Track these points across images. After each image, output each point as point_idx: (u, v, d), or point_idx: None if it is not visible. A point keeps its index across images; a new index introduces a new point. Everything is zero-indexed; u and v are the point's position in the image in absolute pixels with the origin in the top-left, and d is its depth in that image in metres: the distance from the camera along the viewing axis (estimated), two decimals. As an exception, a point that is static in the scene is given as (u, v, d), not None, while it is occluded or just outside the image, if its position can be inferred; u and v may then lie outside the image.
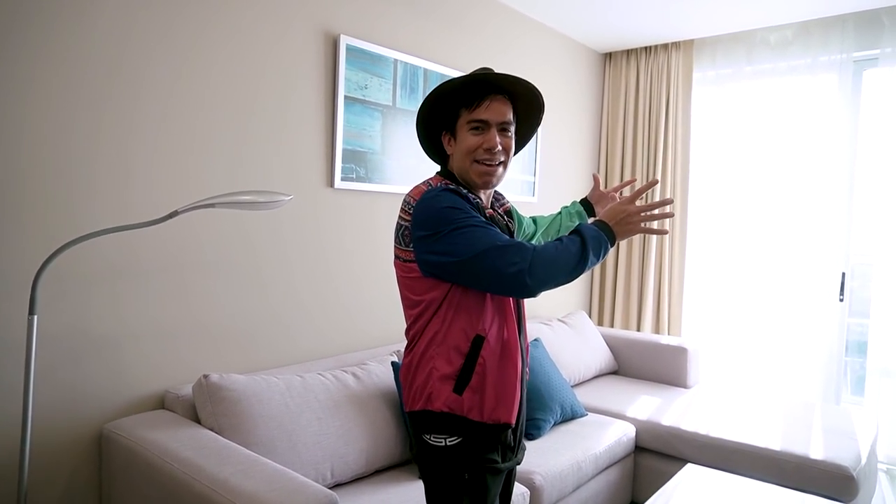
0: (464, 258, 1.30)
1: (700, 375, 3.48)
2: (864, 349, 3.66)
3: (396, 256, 1.46)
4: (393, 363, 2.29)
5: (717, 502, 2.04)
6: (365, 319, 2.69)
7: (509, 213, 1.65)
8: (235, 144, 2.19)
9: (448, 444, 1.38)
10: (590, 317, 4.32)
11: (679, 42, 3.94)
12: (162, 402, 2.04)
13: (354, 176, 2.60)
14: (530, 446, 2.41)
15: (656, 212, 1.41)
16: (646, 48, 4.06)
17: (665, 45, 3.98)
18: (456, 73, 2.99)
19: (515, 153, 1.51)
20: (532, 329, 3.22)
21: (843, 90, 3.55)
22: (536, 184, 3.65)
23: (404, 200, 1.43)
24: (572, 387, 3.20)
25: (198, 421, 1.94)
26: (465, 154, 1.42)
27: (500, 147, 1.42)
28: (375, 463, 2.15)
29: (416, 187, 1.43)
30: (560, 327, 3.38)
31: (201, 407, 1.91)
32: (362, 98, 2.59)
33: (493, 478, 1.40)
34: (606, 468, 2.59)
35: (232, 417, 1.88)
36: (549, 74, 3.71)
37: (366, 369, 2.33)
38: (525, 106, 1.49)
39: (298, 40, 2.35)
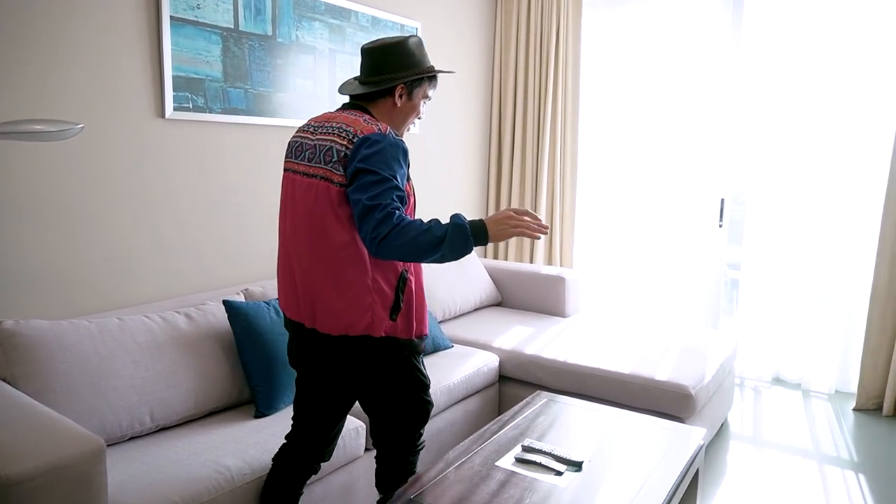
0: (365, 203, 1.45)
1: (580, 305, 3.53)
2: (738, 274, 3.77)
3: (325, 178, 1.55)
4: (225, 301, 2.19)
5: (552, 423, 2.07)
6: (214, 258, 2.57)
7: None
8: (41, 70, 1.97)
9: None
10: (485, 251, 4.30)
11: (567, -37, 3.79)
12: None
13: (191, 105, 2.41)
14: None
15: (533, 225, 1.55)
16: (535, -30, 3.90)
17: (553, -33, 3.82)
18: (310, -6, 2.78)
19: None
20: (409, 264, 3.17)
21: (726, 12, 3.50)
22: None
23: (340, 128, 1.56)
24: (445, 321, 3.18)
25: (-4, 370, 1.81)
26: (411, 113, 1.71)
27: None
28: (207, 404, 2.08)
29: (363, 124, 1.55)
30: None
31: (-6, 355, 1.78)
32: (194, 19, 2.37)
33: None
34: (465, 398, 2.61)
35: (26, 366, 1.76)
36: (443, 4, 3.53)
37: (202, 309, 2.23)
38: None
39: (105, -49, 2.11)
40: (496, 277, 3.59)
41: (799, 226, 3.43)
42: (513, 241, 4.15)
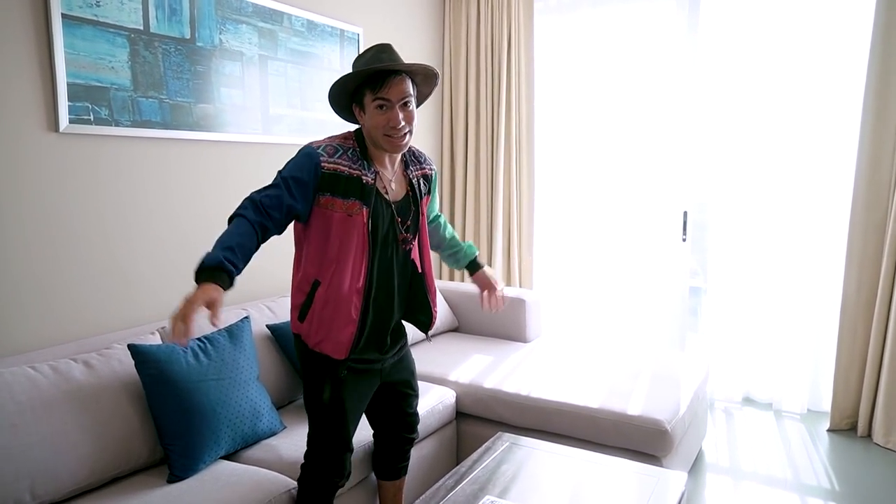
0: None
1: (542, 328, 3.29)
2: (701, 291, 3.61)
3: None
4: (130, 346, 1.86)
5: (516, 473, 1.81)
6: (122, 293, 2.23)
7: (427, 178, 1.83)
8: None
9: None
10: (441, 272, 4.04)
11: (517, -32, 3.60)
12: None
13: (92, 118, 2.09)
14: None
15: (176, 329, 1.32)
16: (484, -25, 3.70)
17: (503, -28, 3.63)
18: (236, -6, 2.50)
19: (417, 106, 1.71)
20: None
21: (681, 16, 3.36)
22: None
23: None
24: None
25: None
26: (374, 128, 1.62)
27: (402, 122, 1.62)
28: (108, 471, 1.75)
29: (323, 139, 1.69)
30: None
31: None
32: (94, 18, 2.06)
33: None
34: (419, 441, 2.32)
35: None
36: (387, 11, 3.28)
37: (106, 354, 1.90)
38: (422, 77, 1.71)
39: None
40: (451, 300, 3.33)
41: (765, 238, 3.29)
42: (468, 260, 3.90)
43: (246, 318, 2.19)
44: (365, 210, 1.61)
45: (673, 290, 3.54)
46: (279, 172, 1.61)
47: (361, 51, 1.69)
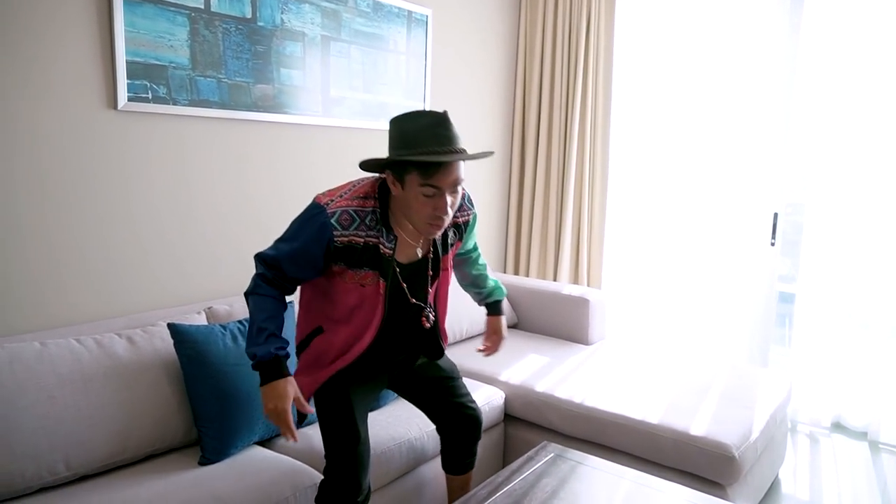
0: None
1: (606, 330, 3.09)
2: (792, 298, 3.27)
3: None
4: (170, 325, 1.86)
5: (557, 489, 1.66)
6: (171, 270, 2.24)
7: (459, 226, 1.68)
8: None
9: None
10: (504, 266, 3.90)
11: (601, -55, 3.37)
12: None
13: (150, 96, 2.10)
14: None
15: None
16: (565, -46, 3.49)
17: (585, -50, 3.40)
18: (299, -28, 2.45)
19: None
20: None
21: (783, 9, 3.03)
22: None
23: None
24: (447, 346, 2.80)
25: None
26: (416, 213, 1.43)
27: (449, 209, 1.43)
28: (143, 448, 1.75)
29: (331, 190, 1.51)
30: (445, 278, 2.94)
31: None
32: (155, -3, 2.06)
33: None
34: (461, 443, 2.21)
35: None
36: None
37: (150, 332, 1.90)
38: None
39: (45, -86, 1.81)
40: (513, 296, 3.19)
41: (868, 244, 2.92)
42: (535, 253, 3.74)
43: (290, 302, 2.15)
44: (381, 282, 1.52)
45: (757, 296, 3.22)
46: (286, 236, 1.50)
47: (410, 111, 1.47)
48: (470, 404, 1.90)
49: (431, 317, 1.68)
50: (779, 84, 3.06)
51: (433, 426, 2.07)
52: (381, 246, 1.48)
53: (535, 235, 3.72)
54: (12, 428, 1.54)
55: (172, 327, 1.85)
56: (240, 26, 2.31)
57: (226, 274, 2.38)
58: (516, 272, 3.87)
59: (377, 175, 1.54)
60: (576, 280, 3.66)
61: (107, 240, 2.06)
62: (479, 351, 2.00)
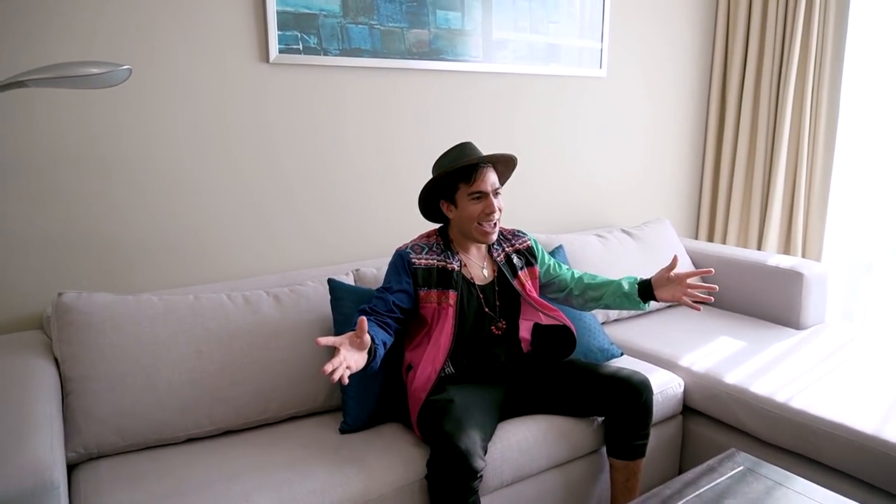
0: None
1: (825, 313, 2.49)
2: None
3: None
4: (330, 280, 1.79)
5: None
6: (323, 229, 2.19)
7: (521, 252, 1.85)
8: (120, 6, 1.74)
9: None
10: (697, 231, 3.38)
11: None
12: (40, 323, 1.78)
13: (301, 47, 2.03)
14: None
15: None
16: None
17: None
18: None
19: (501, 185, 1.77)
20: (583, 240, 2.47)
21: None
22: (604, 52, 2.75)
23: None
24: (614, 321, 2.45)
25: (61, 347, 1.64)
26: (469, 219, 1.70)
27: (496, 209, 1.70)
28: (284, 409, 1.72)
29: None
30: (620, 240, 2.57)
31: (51, 332, 1.60)
32: (305, -60, 1.97)
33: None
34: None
35: (76, 346, 1.54)
36: None
37: (297, 291, 1.86)
38: (503, 166, 1.78)
39: None
40: (701, 264, 2.71)
41: None
42: (735, 216, 3.17)
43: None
44: (452, 295, 1.69)
45: None
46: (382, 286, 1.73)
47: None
48: (624, 370, 1.75)
49: (502, 324, 1.78)
50: None
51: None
52: (448, 265, 1.73)
53: (736, 194, 3.15)
54: (163, 378, 1.58)
55: (332, 283, 1.80)
56: (392, -34, 2.14)
57: (379, 228, 2.29)
58: (710, 238, 3.34)
59: (436, 226, 1.84)
60: (787, 250, 3.04)
61: (260, 196, 2.06)
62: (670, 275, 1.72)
